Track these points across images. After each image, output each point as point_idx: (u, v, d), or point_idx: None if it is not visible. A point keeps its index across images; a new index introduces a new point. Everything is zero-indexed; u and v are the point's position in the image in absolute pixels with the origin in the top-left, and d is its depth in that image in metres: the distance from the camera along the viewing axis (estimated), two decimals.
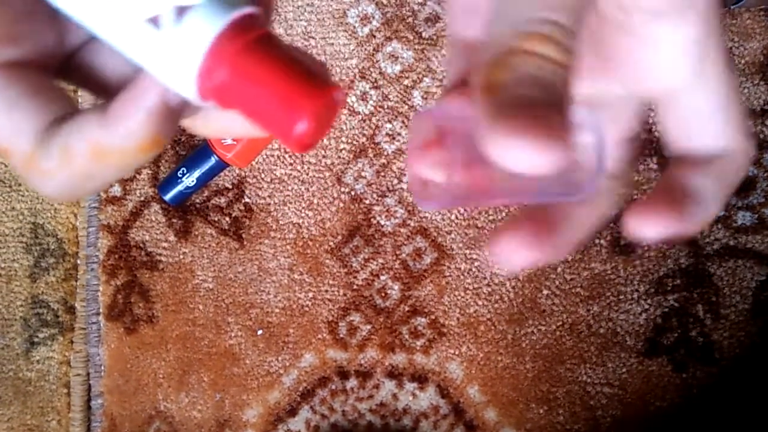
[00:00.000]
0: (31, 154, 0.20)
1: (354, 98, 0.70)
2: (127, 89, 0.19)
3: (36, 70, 0.21)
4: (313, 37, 0.71)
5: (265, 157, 0.72)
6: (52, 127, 0.20)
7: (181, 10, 0.17)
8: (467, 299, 0.69)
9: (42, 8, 0.20)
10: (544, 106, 0.16)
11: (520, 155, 0.15)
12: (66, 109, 0.21)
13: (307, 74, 0.18)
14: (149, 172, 0.75)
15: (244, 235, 0.72)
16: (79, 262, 0.77)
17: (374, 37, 0.70)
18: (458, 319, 0.69)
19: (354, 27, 0.70)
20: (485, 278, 0.68)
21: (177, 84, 0.18)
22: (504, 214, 0.68)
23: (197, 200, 0.73)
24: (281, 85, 0.17)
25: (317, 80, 0.18)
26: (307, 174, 0.71)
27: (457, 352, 0.69)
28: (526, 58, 0.16)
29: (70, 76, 0.22)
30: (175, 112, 0.19)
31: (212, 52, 0.17)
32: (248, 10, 0.18)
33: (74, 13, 0.19)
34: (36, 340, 0.77)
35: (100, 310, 0.76)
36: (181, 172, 0.70)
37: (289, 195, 0.72)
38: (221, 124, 0.22)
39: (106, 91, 0.22)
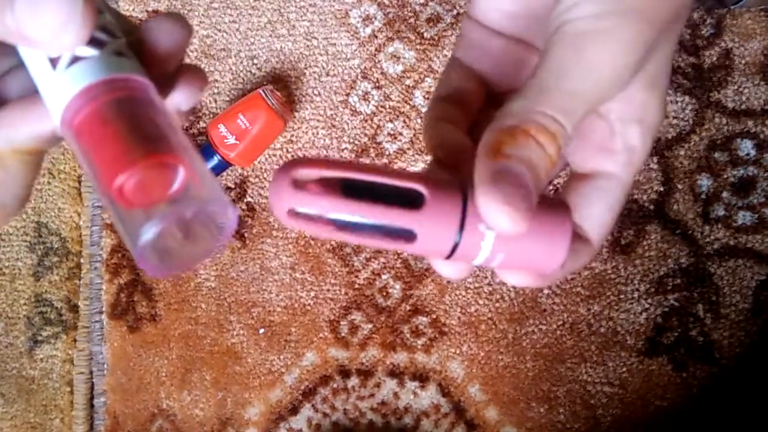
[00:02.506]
0: None
1: (356, 98, 0.71)
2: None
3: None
4: (315, 38, 0.72)
5: (267, 156, 0.72)
6: None
7: (76, 59, 0.21)
8: (468, 298, 0.69)
9: None
10: (529, 187, 0.20)
11: (500, 216, 0.20)
12: None
13: (141, 139, 0.20)
14: None
15: (246, 235, 0.73)
16: (82, 260, 0.77)
17: (376, 37, 0.70)
18: (459, 318, 0.69)
19: (356, 27, 0.71)
20: (486, 278, 0.69)
21: (52, 111, 0.21)
22: None
23: None
24: (112, 142, 0.20)
25: (149, 146, 0.20)
26: None
27: (458, 351, 0.69)
28: (532, 143, 0.21)
29: None
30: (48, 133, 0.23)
31: (77, 96, 0.20)
32: (128, 75, 0.21)
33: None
34: (39, 338, 0.77)
35: (103, 309, 0.76)
36: None
37: None
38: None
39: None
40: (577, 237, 0.25)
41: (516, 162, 0.20)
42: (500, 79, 0.28)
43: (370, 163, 0.70)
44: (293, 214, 0.21)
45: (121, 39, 0.22)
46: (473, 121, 0.27)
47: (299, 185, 0.20)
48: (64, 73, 0.21)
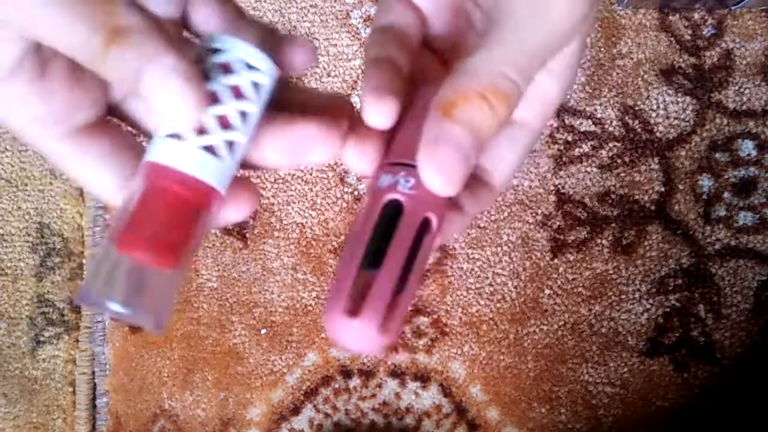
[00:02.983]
0: (115, 202, 0.24)
1: (357, 98, 0.71)
2: None
3: (106, 127, 0.24)
4: (316, 38, 0.72)
5: None
6: (132, 179, 0.24)
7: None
8: (469, 299, 0.69)
9: (87, 73, 0.22)
10: (468, 155, 0.22)
11: (434, 179, 0.21)
12: (138, 158, 0.24)
13: (163, 235, 0.23)
14: None
15: (248, 235, 0.73)
16: (84, 261, 0.78)
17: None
18: (460, 318, 0.69)
19: (357, 28, 0.71)
20: (487, 278, 0.69)
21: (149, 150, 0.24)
22: (506, 214, 0.68)
23: None
24: (149, 218, 0.22)
25: (160, 246, 0.23)
26: (311, 174, 0.72)
27: (459, 352, 0.69)
28: (485, 108, 0.22)
29: (117, 118, 0.25)
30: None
31: (160, 166, 0.22)
32: (207, 183, 0.22)
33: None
34: (42, 338, 0.78)
35: None
36: None
37: (292, 195, 0.72)
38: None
39: (145, 130, 0.26)
40: (481, 181, 0.26)
41: (462, 128, 0.22)
42: (437, 19, 0.28)
43: None
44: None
45: (238, 139, 0.23)
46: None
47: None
48: (164, 139, 0.22)
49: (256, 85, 0.23)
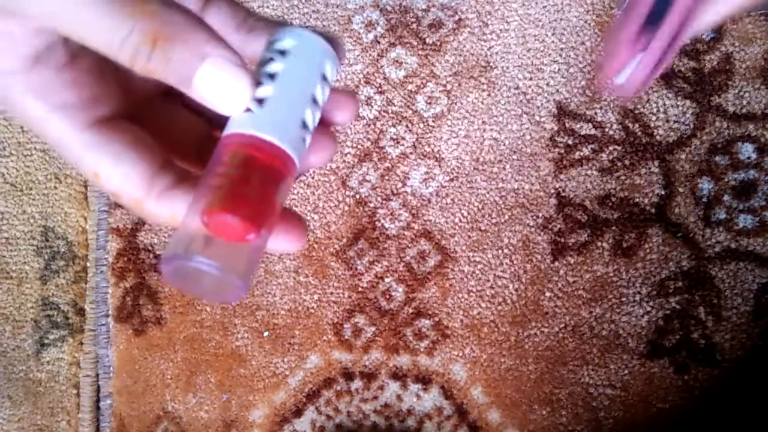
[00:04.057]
0: (139, 201, 0.23)
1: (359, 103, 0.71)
2: None
3: (127, 123, 0.24)
4: (336, 71, 0.72)
5: None
6: (158, 176, 0.23)
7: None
8: (471, 301, 0.69)
9: (110, 71, 0.24)
10: None
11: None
12: (165, 157, 0.24)
13: (248, 199, 0.23)
14: None
15: None
16: (88, 264, 0.78)
17: (378, 43, 0.71)
18: (462, 321, 0.70)
19: (359, 33, 0.71)
20: (488, 281, 0.69)
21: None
22: (507, 217, 0.69)
23: None
24: (232, 184, 0.23)
25: (245, 209, 0.23)
26: (313, 178, 0.72)
27: (460, 354, 0.70)
28: None
29: (138, 123, 0.25)
30: None
31: (243, 135, 0.23)
32: (285, 148, 0.23)
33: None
34: (46, 341, 0.78)
35: (109, 312, 0.77)
36: None
37: (294, 198, 0.73)
38: None
39: (164, 141, 0.25)
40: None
41: None
42: None
43: None
44: None
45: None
46: None
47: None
48: (258, 109, 0.23)
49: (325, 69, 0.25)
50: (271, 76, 0.23)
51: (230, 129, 0.23)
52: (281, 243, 0.25)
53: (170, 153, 0.25)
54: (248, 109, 0.23)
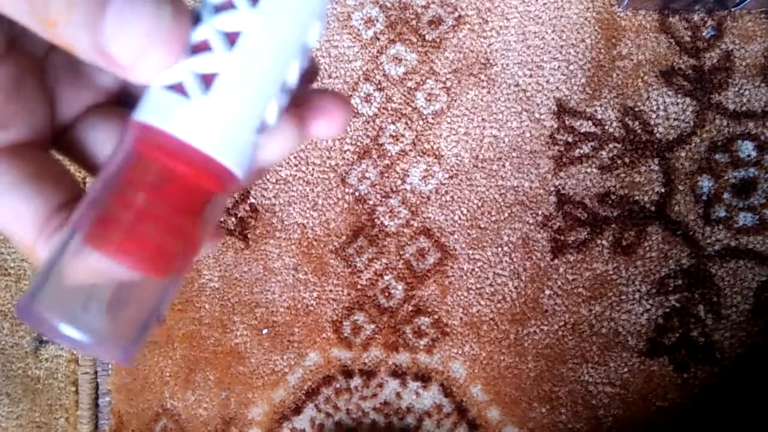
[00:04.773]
0: (32, 245, 0.18)
1: (358, 100, 0.71)
2: None
3: (34, 151, 0.19)
4: (317, 40, 0.72)
5: None
6: (56, 216, 0.18)
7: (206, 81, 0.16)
8: (470, 299, 0.69)
9: (31, 82, 0.19)
10: None
11: None
12: (70, 193, 0.19)
13: (151, 238, 0.17)
14: None
15: (249, 235, 0.73)
16: None
17: (378, 39, 0.71)
18: (461, 318, 0.69)
19: (358, 30, 0.71)
20: (488, 278, 0.69)
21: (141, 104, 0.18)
22: (506, 215, 0.69)
23: None
24: (135, 206, 0.17)
25: (146, 251, 0.17)
26: (312, 175, 0.72)
27: (460, 352, 0.70)
28: None
29: (63, 150, 0.21)
30: None
31: (157, 131, 0.17)
32: (224, 164, 0.17)
33: None
34: (45, 338, 0.78)
35: None
36: None
37: (294, 196, 0.72)
38: None
39: (97, 167, 0.20)
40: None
41: None
42: None
43: None
44: None
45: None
46: None
47: None
48: (163, 91, 0.16)
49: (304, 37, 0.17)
50: (229, 38, 0.16)
51: (148, 112, 0.16)
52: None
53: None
54: (181, 87, 0.16)
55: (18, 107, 0.19)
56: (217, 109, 0.16)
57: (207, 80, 0.16)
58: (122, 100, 0.21)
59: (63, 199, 0.19)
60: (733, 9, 0.64)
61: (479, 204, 0.69)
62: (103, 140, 0.20)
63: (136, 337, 0.16)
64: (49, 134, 0.20)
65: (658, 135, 0.66)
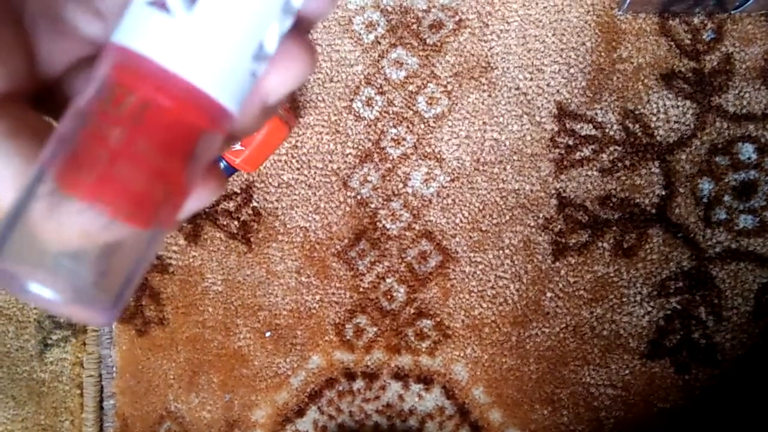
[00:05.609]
0: None
1: (359, 104, 0.71)
2: None
3: (12, 105, 0.17)
4: (319, 44, 0.72)
5: (272, 162, 0.73)
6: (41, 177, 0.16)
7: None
8: (472, 302, 0.70)
9: (3, 29, 0.16)
10: None
11: None
12: None
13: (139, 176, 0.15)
14: None
15: (252, 239, 0.74)
16: None
17: (379, 43, 0.71)
18: (463, 321, 0.70)
19: (359, 34, 0.72)
20: (489, 281, 0.69)
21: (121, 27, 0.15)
22: (507, 217, 0.69)
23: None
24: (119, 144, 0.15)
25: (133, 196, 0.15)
26: (314, 178, 0.73)
27: (462, 354, 0.70)
28: None
29: (51, 111, 0.18)
30: None
31: (144, 58, 0.15)
32: (214, 98, 0.14)
33: None
34: (49, 341, 0.79)
35: None
36: None
37: (296, 199, 0.73)
38: None
39: None
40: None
41: None
42: None
43: None
44: None
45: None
46: None
47: None
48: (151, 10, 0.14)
49: None
50: None
51: (125, 31, 0.14)
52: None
53: None
54: (162, 1, 0.13)
55: None
56: (202, 28, 0.13)
57: None
58: None
59: (37, 152, 0.16)
60: (733, 12, 0.64)
61: (480, 207, 0.69)
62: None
63: (117, 295, 0.14)
64: (29, 88, 0.17)
65: (658, 138, 0.67)
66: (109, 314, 0.14)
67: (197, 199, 0.17)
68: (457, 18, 0.70)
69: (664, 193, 0.66)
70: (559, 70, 0.68)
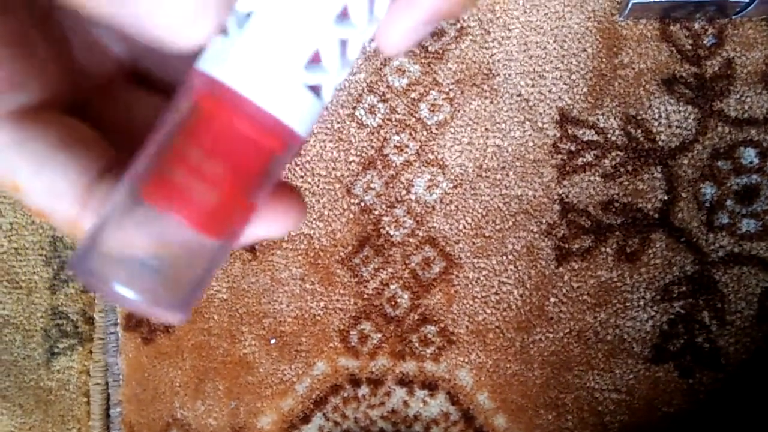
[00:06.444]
0: (75, 220, 0.17)
1: (362, 111, 0.72)
2: None
3: (55, 115, 0.17)
4: None
5: None
6: (97, 185, 0.17)
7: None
8: (476, 307, 0.70)
9: (38, 37, 0.17)
10: None
11: None
12: (108, 159, 0.17)
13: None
14: None
15: (256, 247, 0.74)
16: None
17: (381, 51, 0.71)
18: (467, 327, 0.70)
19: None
20: (493, 287, 0.70)
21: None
22: (511, 223, 0.69)
23: None
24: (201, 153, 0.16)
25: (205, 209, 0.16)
26: (318, 186, 0.73)
27: (466, 360, 0.70)
28: None
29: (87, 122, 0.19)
30: None
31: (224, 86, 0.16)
32: (289, 126, 0.16)
33: None
34: (56, 350, 0.79)
35: (118, 321, 0.78)
36: None
37: None
38: None
39: (125, 139, 0.18)
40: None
41: None
42: None
43: None
44: None
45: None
46: None
47: None
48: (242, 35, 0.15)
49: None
50: None
51: (204, 56, 0.15)
52: (265, 227, 0.18)
53: (127, 153, 0.17)
54: (224, 25, 0.15)
55: (31, 66, 0.16)
56: (248, 47, 0.14)
57: (243, 19, 0.14)
58: (139, 73, 0.19)
59: (102, 165, 0.17)
60: (733, 17, 0.65)
61: (484, 213, 0.70)
62: (133, 105, 0.18)
63: (188, 297, 0.16)
64: (68, 97, 0.17)
65: (660, 143, 0.67)
66: (181, 314, 0.16)
67: (281, 222, 0.18)
68: (458, 25, 0.70)
69: (666, 197, 0.67)
70: (561, 76, 0.68)
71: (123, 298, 0.15)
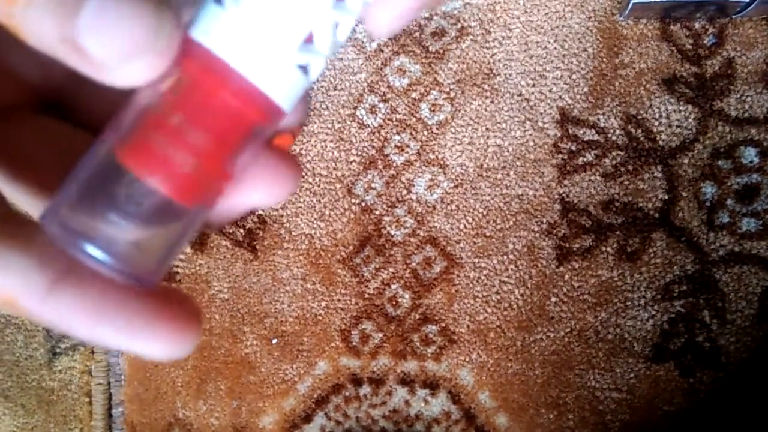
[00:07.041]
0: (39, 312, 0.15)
1: (363, 111, 0.72)
2: None
3: (31, 117, 0.17)
4: None
5: None
6: None
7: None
8: (477, 307, 0.70)
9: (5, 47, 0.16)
10: None
11: None
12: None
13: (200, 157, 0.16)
14: None
15: (258, 246, 0.74)
16: None
17: (382, 51, 0.72)
18: (468, 326, 0.70)
19: (362, 42, 0.72)
20: (494, 286, 0.70)
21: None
22: (511, 223, 0.69)
23: None
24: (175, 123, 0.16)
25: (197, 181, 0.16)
26: (319, 186, 0.73)
27: (467, 359, 0.70)
28: None
29: (56, 112, 0.18)
30: None
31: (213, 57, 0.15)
32: (277, 102, 0.16)
33: None
34: (58, 350, 0.79)
35: None
36: None
37: (301, 206, 0.73)
38: None
39: (21, 167, 0.17)
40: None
41: None
42: None
43: None
44: None
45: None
46: None
47: None
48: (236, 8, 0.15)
49: None
50: None
51: (193, 23, 0.15)
52: (258, 195, 0.17)
53: (28, 185, 0.17)
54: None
55: None
56: (252, 21, 0.14)
57: None
58: (51, 100, 0.18)
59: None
60: (734, 17, 0.65)
61: (484, 213, 0.70)
62: (33, 134, 0.17)
63: (158, 263, 0.16)
64: (36, 100, 0.17)
65: (660, 142, 0.67)
66: (149, 280, 0.16)
67: (278, 187, 0.17)
68: (459, 25, 0.70)
69: (667, 197, 0.67)
70: (561, 76, 0.68)
71: (91, 258, 0.15)
